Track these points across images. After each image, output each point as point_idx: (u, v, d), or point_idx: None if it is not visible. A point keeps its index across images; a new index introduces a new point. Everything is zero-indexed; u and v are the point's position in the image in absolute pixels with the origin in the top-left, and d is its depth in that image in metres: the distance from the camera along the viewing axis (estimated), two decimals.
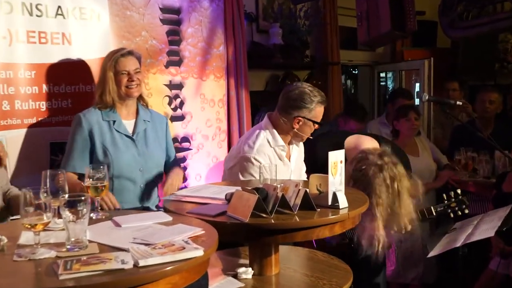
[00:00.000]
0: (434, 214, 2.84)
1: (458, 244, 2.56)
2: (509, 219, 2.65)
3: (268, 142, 2.61)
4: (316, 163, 2.79)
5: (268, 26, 4.70)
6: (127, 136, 2.56)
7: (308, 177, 2.86)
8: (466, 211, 2.86)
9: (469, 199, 3.97)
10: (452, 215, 2.87)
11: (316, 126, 2.64)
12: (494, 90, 4.21)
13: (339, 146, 2.70)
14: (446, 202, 2.86)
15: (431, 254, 2.67)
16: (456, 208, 2.84)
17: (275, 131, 2.63)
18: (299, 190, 1.88)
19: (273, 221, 1.79)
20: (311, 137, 2.68)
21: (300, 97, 2.59)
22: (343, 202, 1.95)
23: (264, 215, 1.82)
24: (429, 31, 6.24)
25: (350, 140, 2.74)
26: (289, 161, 2.69)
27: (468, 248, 2.79)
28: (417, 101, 5.34)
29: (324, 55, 5.21)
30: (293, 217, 1.83)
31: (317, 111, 2.61)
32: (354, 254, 2.82)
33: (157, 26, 3.46)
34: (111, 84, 2.54)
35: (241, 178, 2.55)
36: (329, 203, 1.95)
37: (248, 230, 1.82)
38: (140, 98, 2.71)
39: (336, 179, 1.97)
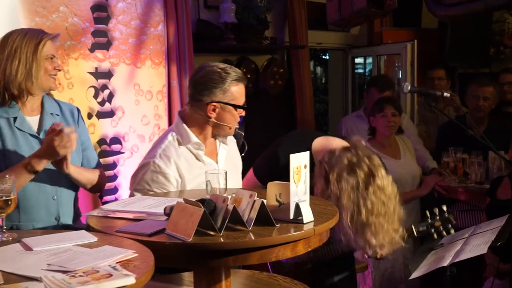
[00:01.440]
0: (416, 234, 2.91)
1: (446, 263, 2.63)
2: (505, 232, 2.73)
3: (179, 142, 2.58)
4: (279, 169, 2.81)
5: (218, 0, 4.71)
6: (32, 135, 2.51)
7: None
8: (452, 232, 2.94)
9: (461, 209, 4.13)
10: (436, 236, 2.95)
11: (241, 111, 2.61)
12: (489, 84, 4.33)
13: (303, 146, 2.73)
14: (429, 220, 2.93)
15: (414, 275, 2.73)
16: (441, 228, 2.92)
17: (186, 127, 2.59)
18: (255, 201, 1.89)
19: (222, 240, 1.79)
20: (237, 126, 2.66)
21: (208, 77, 2.55)
22: (307, 215, 1.97)
23: (211, 233, 1.82)
24: (412, 9, 6.37)
25: (318, 141, 2.77)
26: (217, 162, 2.67)
27: (457, 267, 2.86)
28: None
29: (290, 36, 5.26)
30: (247, 234, 1.84)
31: (234, 92, 2.55)
32: (319, 279, 2.88)
33: (80, 0, 3.42)
34: (34, 71, 2.47)
35: (134, 191, 2.51)
36: (291, 216, 1.96)
37: (192, 252, 1.82)
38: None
39: (299, 187, 1.99)
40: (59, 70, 2.57)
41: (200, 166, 2.58)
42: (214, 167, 2.63)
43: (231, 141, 2.84)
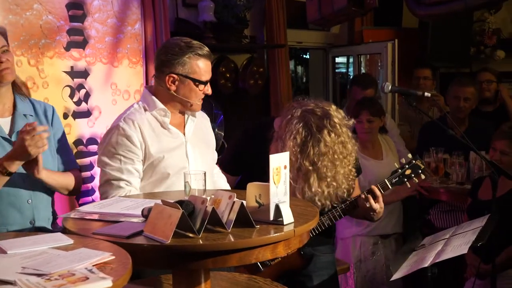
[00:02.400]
0: (390, 187, 2.93)
1: (427, 263, 2.66)
2: (486, 232, 2.76)
3: (145, 109, 2.61)
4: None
5: None
6: (3, 138, 2.46)
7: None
8: (423, 177, 2.98)
9: (443, 210, 4.17)
10: (409, 184, 2.97)
11: (203, 88, 2.60)
12: (469, 84, 4.38)
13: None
14: (400, 171, 2.95)
15: (395, 276, 2.75)
16: (412, 175, 2.95)
17: (152, 96, 2.62)
18: (234, 202, 1.89)
19: (201, 242, 1.79)
20: (198, 102, 2.63)
21: (169, 49, 2.58)
22: (287, 216, 1.98)
23: (190, 235, 1.82)
24: (393, 8, 6.42)
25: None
26: (184, 133, 2.67)
27: (438, 268, 2.89)
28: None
29: (267, 35, 5.27)
30: (227, 236, 1.84)
31: (194, 65, 2.56)
32: (302, 281, 2.90)
33: None
34: None
35: (102, 155, 2.54)
36: (271, 218, 1.97)
37: (171, 254, 1.82)
38: (16, 86, 2.58)
39: (279, 188, 1.99)
40: (1, 62, 2.44)
41: (165, 133, 2.60)
42: (180, 137, 2.64)
43: (204, 118, 2.84)
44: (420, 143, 4.48)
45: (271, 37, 5.24)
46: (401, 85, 5.26)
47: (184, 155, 2.62)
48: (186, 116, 2.70)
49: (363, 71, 6.16)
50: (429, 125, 4.43)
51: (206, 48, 2.61)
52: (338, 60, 6.42)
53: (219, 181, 2.88)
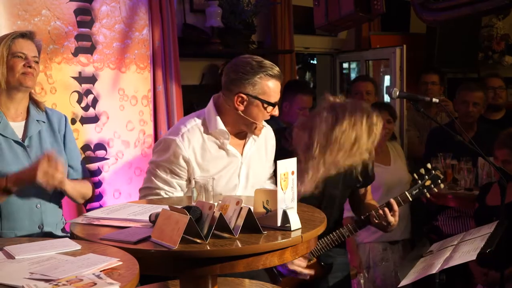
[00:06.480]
0: (411, 199, 2.96)
1: (435, 270, 2.65)
2: (494, 238, 2.76)
3: (202, 129, 2.57)
4: None
5: (204, 4, 4.72)
6: (16, 142, 2.48)
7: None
8: (442, 186, 3.03)
9: (451, 216, 4.16)
10: (428, 195, 3.01)
11: (271, 110, 2.54)
12: (478, 89, 4.38)
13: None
14: (420, 182, 2.98)
15: (403, 282, 2.74)
16: (432, 186, 2.98)
17: (216, 113, 2.57)
18: (241, 208, 1.89)
19: (208, 248, 1.80)
20: (264, 125, 2.62)
21: (241, 67, 2.52)
22: (295, 222, 1.98)
23: (197, 241, 1.83)
24: (401, 13, 6.42)
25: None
26: (241, 154, 2.63)
27: (447, 274, 2.88)
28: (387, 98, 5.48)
29: (274, 41, 5.28)
30: (234, 242, 1.85)
31: (265, 86, 2.50)
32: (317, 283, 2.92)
33: (62, 3, 3.42)
34: (1, 67, 2.45)
35: (150, 162, 2.57)
36: (279, 224, 1.97)
37: (178, 260, 1.83)
38: (32, 98, 2.63)
39: (286, 194, 2.00)
40: (29, 67, 2.49)
41: (223, 155, 2.58)
42: (237, 159, 2.61)
43: (268, 133, 2.80)
44: (428, 149, 4.47)
45: (275, 43, 5.24)
46: (409, 90, 5.24)
47: (236, 175, 2.61)
48: (248, 135, 2.65)
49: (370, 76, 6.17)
50: (437, 130, 4.42)
51: (277, 69, 2.56)
52: (345, 65, 6.42)
53: None
